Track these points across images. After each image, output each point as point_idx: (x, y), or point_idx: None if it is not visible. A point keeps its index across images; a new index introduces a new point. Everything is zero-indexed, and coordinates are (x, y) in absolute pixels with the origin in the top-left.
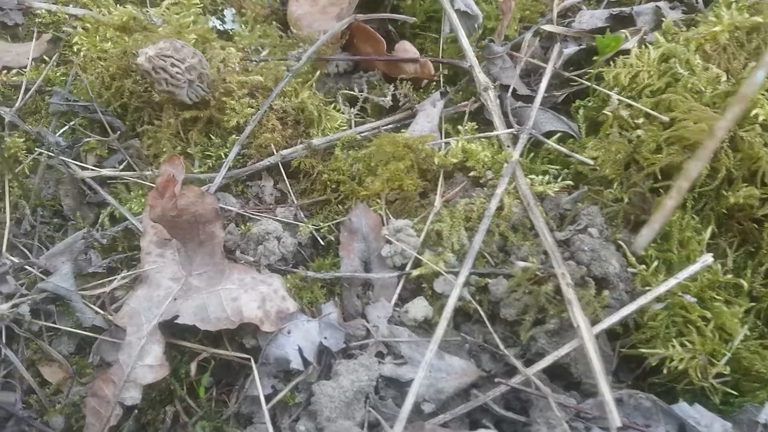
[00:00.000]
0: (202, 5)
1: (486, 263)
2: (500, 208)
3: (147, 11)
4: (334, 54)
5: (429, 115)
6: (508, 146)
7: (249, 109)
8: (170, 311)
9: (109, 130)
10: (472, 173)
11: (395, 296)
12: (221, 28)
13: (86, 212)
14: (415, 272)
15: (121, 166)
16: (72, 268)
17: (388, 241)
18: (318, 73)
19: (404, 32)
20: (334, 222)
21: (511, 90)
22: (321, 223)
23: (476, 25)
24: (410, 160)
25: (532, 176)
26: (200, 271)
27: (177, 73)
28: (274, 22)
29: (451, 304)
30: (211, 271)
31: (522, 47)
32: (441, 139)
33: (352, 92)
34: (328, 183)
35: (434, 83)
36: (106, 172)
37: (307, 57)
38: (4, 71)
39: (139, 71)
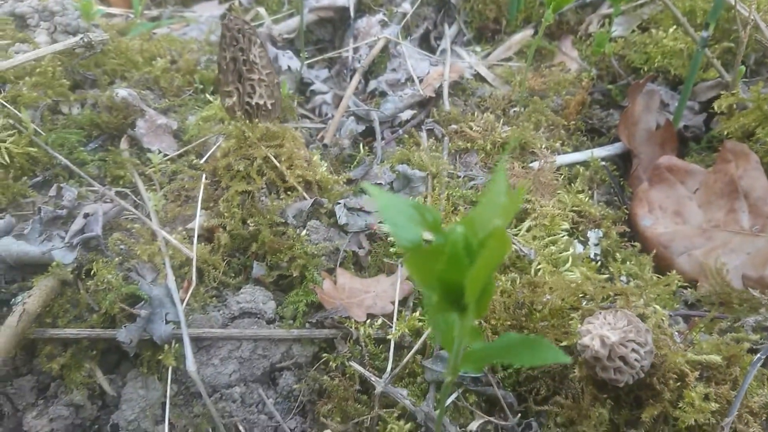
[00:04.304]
0: (567, 228)
1: None
2: None
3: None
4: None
5: None
6: None
7: (709, 402)
8: None
9: (506, 409)
10: None
11: None
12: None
13: None
14: None
15: None
16: None
17: None
18: None
19: None
20: None
21: None
22: None
23: None
24: None
25: None
26: None
27: (635, 360)
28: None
29: None
30: None
31: None
32: None
33: None
34: None
35: None
36: None
37: None
38: (368, 320)
39: (582, 354)
